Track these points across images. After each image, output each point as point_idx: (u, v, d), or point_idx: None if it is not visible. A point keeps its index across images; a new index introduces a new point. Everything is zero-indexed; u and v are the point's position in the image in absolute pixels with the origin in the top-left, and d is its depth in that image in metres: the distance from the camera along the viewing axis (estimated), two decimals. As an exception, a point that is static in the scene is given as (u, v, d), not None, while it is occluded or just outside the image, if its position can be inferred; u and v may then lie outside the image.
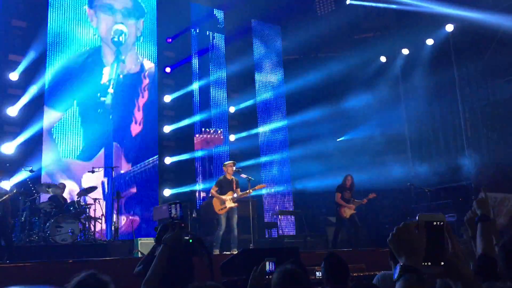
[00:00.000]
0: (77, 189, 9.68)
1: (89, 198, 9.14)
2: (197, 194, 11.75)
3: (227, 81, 13.10)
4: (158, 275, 2.94)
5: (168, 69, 12.26)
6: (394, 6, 11.74)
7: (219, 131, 12.21)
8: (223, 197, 8.60)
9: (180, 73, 12.32)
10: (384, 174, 12.13)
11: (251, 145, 12.84)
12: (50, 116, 10.35)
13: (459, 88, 11.42)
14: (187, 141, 12.07)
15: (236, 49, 13.21)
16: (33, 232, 8.19)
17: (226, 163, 9.15)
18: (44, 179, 9.76)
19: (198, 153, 12.10)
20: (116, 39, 11.61)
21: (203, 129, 12.20)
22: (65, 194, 9.24)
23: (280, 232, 11.21)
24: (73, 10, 11.02)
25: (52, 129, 10.34)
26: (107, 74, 11.35)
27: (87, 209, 8.84)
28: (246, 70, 13.31)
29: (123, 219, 10.27)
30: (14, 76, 10.00)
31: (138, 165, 11.35)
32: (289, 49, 14.01)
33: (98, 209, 9.10)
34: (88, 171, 9.66)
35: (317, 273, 3.60)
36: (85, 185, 9.67)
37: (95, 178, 9.92)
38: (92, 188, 9.16)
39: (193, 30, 12.72)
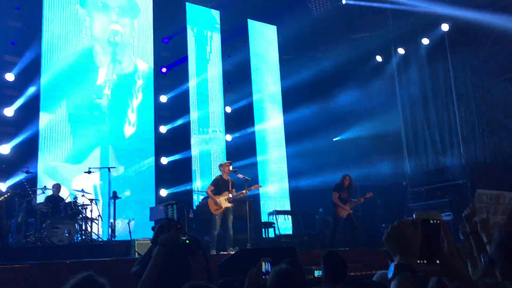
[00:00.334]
0: (67, 192, 9.60)
1: (85, 199, 9.11)
2: (194, 196, 11.74)
3: (223, 81, 13.12)
4: (154, 276, 2.94)
5: (164, 69, 12.24)
6: (389, 6, 11.77)
7: (218, 131, 12.30)
8: (219, 197, 8.59)
9: (176, 73, 12.32)
10: (380, 173, 12.19)
11: (247, 144, 12.86)
12: (45, 118, 10.29)
13: (455, 87, 11.46)
14: (183, 140, 12.05)
15: (232, 48, 13.23)
16: (30, 233, 8.17)
17: (222, 163, 9.14)
18: (40, 180, 9.73)
19: (195, 151, 12.11)
20: (112, 39, 11.52)
21: (198, 135, 12.22)
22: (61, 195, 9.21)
23: (277, 231, 11.21)
24: (66, 10, 10.94)
25: (44, 133, 10.24)
26: (103, 75, 11.26)
27: (84, 210, 8.83)
28: (242, 70, 13.34)
29: (119, 223, 10.20)
30: (10, 76, 9.98)
31: (133, 167, 11.29)
32: (284, 48, 14.03)
33: (95, 210, 9.09)
34: (85, 172, 9.63)
35: (316, 272, 3.62)
36: (76, 187, 9.57)
37: (86, 180, 9.83)
38: (88, 193, 9.21)
39: (189, 28, 12.70)
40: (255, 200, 11.41)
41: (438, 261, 1.37)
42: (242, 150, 12.58)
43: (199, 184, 12.00)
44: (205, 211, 9.18)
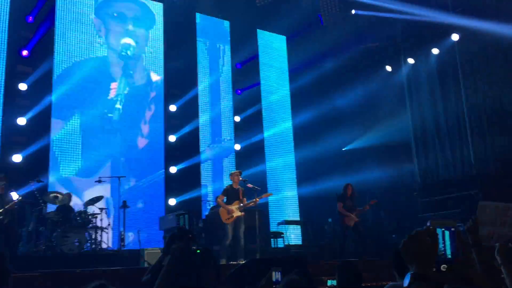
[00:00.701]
0: (80, 202, 9.66)
1: (95, 208, 9.15)
2: (204, 204, 11.74)
3: (232, 90, 13.18)
4: (166, 285, 2.94)
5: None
6: (399, 16, 11.77)
7: (226, 140, 12.35)
8: (230, 206, 8.60)
9: (185, 83, 12.35)
10: (389, 183, 12.12)
11: (256, 152, 12.88)
12: (56, 129, 10.33)
13: (466, 97, 11.39)
14: (192, 147, 12.07)
15: (241, 58, 13.31)
16: (40, 241, 8.22)
17: (232, 172, 9.18)
18: (51, 189, 9.79)
19: (204, 156, 12.11)
20: (124, 53, 11.54)
21: (211, 144, 12.26)
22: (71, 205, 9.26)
23: (286, 241, 11.17)
24: (80, 19, 11.00)
25: (56, 144, 10.30)
26: (115, 89, 11.27)
27: (94, 219, 8.87)
28: (252, 80, 13.40)
29: (130, 235, 10.21)
30: (23, 86, 10.09)
31: (144, 179, 11.29)
32: (294, 58, 14.08)
33: (105, 219, 9.13)
34: (95, 181, 9.70)
35: (329, 282, 3.60)
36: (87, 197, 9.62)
37: (97, 192, 9.85)
38: (99, 198, 9.19)
39: (200, 41, 12.78)
40: (264, 209, 11.39)
41: (443, 266, 1.36)
42: (251, 158, 12.59)
43: (211, 194, 12.00)
44: (214, 220, 9.18)
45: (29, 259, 7.69)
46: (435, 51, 12.01)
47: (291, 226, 12.31)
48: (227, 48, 13.27)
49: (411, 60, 12.66)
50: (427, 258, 1.33)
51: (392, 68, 13.10)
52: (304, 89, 13.40)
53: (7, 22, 9.99)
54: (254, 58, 13.60)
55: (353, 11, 12.76)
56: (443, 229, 1.39)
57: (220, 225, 8.69)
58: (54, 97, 10.38)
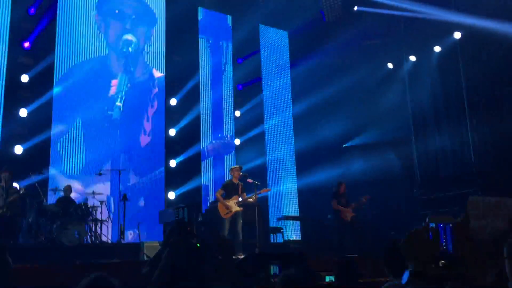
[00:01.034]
0: (80, 196, 9.65)
1: (96, 201, 9.18)
2: (205, 198, 11.75)
3: (233, 85, 13.17)
4: (164, 277, 2.97)
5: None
6: (401, 13, 11.76)
7: (229, 136, 12.31)
8: (229, 201, 8.62)
9: (187, 78, 12.33)
10: (390, 181, 12.14)
11: (257, 145, 12.89)
12: (57, 127, 10.28)
13: (467, 96, 11.39)
14: (192, 141, 12.06)
15: (243, 53, 13.29)
16: (40, 233, 8.25)
17: (233, 167, 9.22)
18: (51, 183, 9.80)
19: (204, 144, 12.12)
20: (124, 50, 11.47)
21: (213, 141, 12.19)
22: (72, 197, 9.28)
23: (286, 237, 11.19)
24: (82, 15, 10.96)
25: (57, 140, 10.26)
26: (115, 86, 11.20)
27: (94, 212, 8.90)
28: (253, 74, 13.39)
29: (130, 234, 10.21)
30: (25, 78, 10.08)
31: (147, 176, 11.26)
32: (295, 53, 14.06)
33: (105, 212, 9.16)
34: (95, 173, 9.73)
35: (327, 278, 3.63)
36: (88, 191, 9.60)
37: (99, 189, 9.87)
38: (99, 193, 9.26)
39: (202, 38, 12.75)
40: (263, 204, 11.41)
41: (441, 262, 1.38)
42: (251, 152, 12.59)
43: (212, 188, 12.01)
44: (214, 214, 9.20)
45: (29, 251, 7.69)
46: (437, 48, 12.01)
47: (290, 222, 12.33)
48: (230, 45, 13.24)
49: (412, 58, 12.65)
50: (426, 256, 1.35)
51: (393, 65, 13.09)
52: (305, 85, 13.39)
53: (9, 14, 9.97)
54: (255, 53, 13.57)
55: (355, 8, 12.74)
56: (442, 225, 1.41)
57: (219, 219, 8.71)
58: (55, 92, 10.35)
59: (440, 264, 1.37)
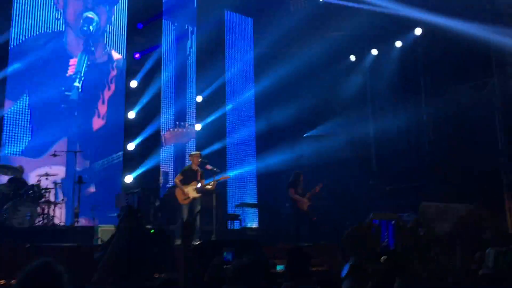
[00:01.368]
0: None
1: (49, 183, 8.93)
2: (160, 181, 11.57)
3: (197, 70, 13.01)
4: (112, 262, 2.92)
5: (137, 55, 11.98)
6: (365, 6, 11.89)
7: (187, 125, 12.14)
8: (187, 187, 8.58)
9: (148, 61, 12.08)
10: (348, 170, 12.36)
11: (217, 130, 12.79)
12: (9, 104, 9.85)
13: (425, 91, 11.70)
14: (151, 125, 11.79)
15: (207, 39, 13.12)
16: (-11, 214, 7.97)
17: (192, 153, 9.18)
18: (3, 161, 9.47)
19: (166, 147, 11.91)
20: (85, 28, 11.04)
21: (172, 126, 12.02)
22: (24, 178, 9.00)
23: (243, 224, 11.25)
24: None
25: (7, 121, 9.82)
26: (74, 66, 10.77)
27: (47, 194, 8.67)
28: (216, 60, 13.26)
29: (84, 220, 9.94)
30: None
31: (100, 161, 10.96)
32: (260, 41, 14.01)
33: (59, 194, 8.93)
34: (51, 155, 9.44)
35: (278, 267, 3.65)
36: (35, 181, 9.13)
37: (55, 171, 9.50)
38: (54, 174, 9.00)
39: (167, 20, 12.51)
40: (222, 191, 11.39)
41: (383, 257, 1.42)
42: (212, 137, 12.51)
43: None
44: (172, 200, 9.14)
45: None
46: (398, 43, 12.24)
47: (248, 209, 12.40)
48: (194, 30, 13.05)
49: (374, 51, 12.86)
50: (366, 250, 1.38)
51: (356, 57, 13.27)
52: (269, 76, 13.33)
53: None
54: (220, 39, 13.44)
55: (321, -1, 12.80)
56: (385, 221, 1.44)
57: (176, 205, 8.67)
58: (9, 68, 9.92)
59: (382, 260, 1.41)
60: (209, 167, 8.91)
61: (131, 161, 11.45)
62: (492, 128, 10.26)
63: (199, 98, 12.96)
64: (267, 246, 7.90)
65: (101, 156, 11.04)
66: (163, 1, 12.46)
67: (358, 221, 10.40)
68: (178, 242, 8.09)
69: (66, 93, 10.65)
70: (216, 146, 12.37)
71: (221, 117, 13.04)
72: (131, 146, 11.48)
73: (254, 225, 12.36)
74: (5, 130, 9.79)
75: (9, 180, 8.59)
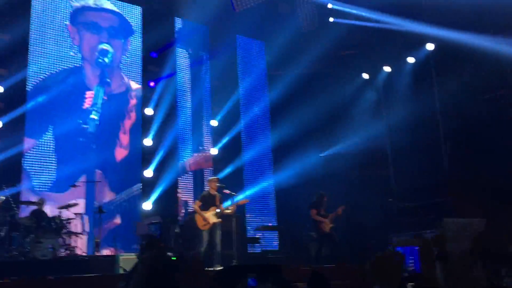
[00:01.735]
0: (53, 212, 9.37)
1: (70, 213, 9.03)
2: (179, 208, 11.61)
3: (211, 95, 13.14)
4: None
5: (152, 83, 12.15)
6: (376, 25, 11.96)
7: (209, 149, 12.26)
8: (206, 212, 8.59)
9: (163, 88, 12.22)
10: (366, 189, 12.26)
11: (232, 155, 12.82)
12: (30, 142, 9.98)
13: (440, 105, 11.63)
14: (170, 149, 11.86)
15: (220, 64, 13.27)
16: (13, 247, 8.07)
17: (210, 178, 9.23)
18: (24, 194, 9.60)
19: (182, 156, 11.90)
20: (100, 60, 11.19)
21: (195, 154, 12.07)
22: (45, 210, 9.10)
23: (263, 247, 11.19)
24: (54, 26, 10.71)
25: (29, 157, 9.95)
26: (91, 98, 10.90)
27: (68, 225, 8.76)
28: (230, 85, 13.38)
29: (106, 251, 9.96)
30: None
31: (123, 192, 10.97)
32: (272, 64, 14.13)
33: (79, 225, 9.02)
34: (70, 185, 9.56)
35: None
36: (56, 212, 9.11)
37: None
38: (74, 204, 9.09)
39: (180, 47, 12.71)
40: (241, 213, 11.36)
41: (411, 284, 1.41)
42: (228, 159, 12.56)
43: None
44: (191, 226, 9.15)
45: (1, 265, 7.53)
46: (410, 59, 12.24)
47: (268, 231, 12.34)
48: (206, 54, 13.23)
49: (387, 68, 12.87)
50: (391, 278, 1.38)
51: (369, 75, 13.29)
52: (282, 97, 13.39)
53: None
54: (233, 64, 13.58)
55: (331, 19, 12.90)
56: (409, 248, 1.45)
57: (196, 231, 8.67)
58: (28, 104, 10.09)
59: (409, 287, 1.41)
60: (227, 191, 8.94)
61: (149, 188, 11.51)
62: (511, 141, 10.12)
63: (214, 123, 13.05)
64: (287, 269, 7.84)
65: (127, 186, 11.07)
66: (176, 30, 12.68)
67: (378, 240, 10.37)
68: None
69: (83, 125, 10.72)
70: (232, 167, 12.40)
71: (235, 137, 13.07)
72: (148, 173, 11.56)
73: (275, 247, 12.26)
74: (26, 166, 9.90)
75: (31, 212, 8.70)
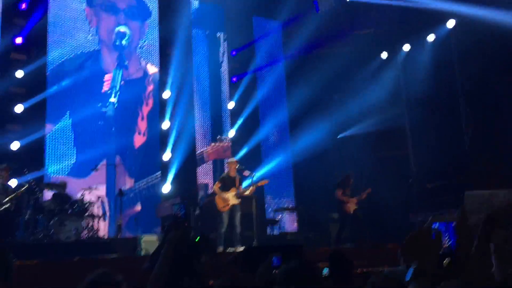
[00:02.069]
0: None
1: (92, 197, 9.16)
2: (198, 191, 11.68)
3: (228, 77, 13.11)
4: (163, 275, 2.95)
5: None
6: (394, 2, 11.73)
7: (227, 139, 12.27)
8: (226, 193, 8.63)
9: (182, 71, 12.21)
10: (386, 170, 12.18)
11: (252, 141, 12.84)
12: (50, 126, 10.09)
13: (461, 84, 11.41)
14: (185, 137, 11.88)
15: (237, 45, 13.20)
16: (37, 230, 8.23)
17: (229, 160, 9.26)
18: (47, 178, 9.75)
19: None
20: (118, 43, 11.17)
21: (213, 143, 12.12)
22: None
23: (282, 228, 11.22)
24: (71, 10, 10.73)
25: (52, 140, 10.07)
26: (109, 82, 10.90)
27: (91, 207, 8.89)
28: (246, 66, 13.30)
29: (126, 234, 10.08)
30: (19, 73, 9.94)
31: (144, 180, 11.01)
32: (289, 44, 13.99)
33: (101, 208, 9.16)
34: (91, 169, 9.66)
35: (324, 270, 3.64)
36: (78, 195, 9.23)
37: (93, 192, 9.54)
38: (96, 188, 9.25)
39: (196, 29, 12.64)
40: (259, 195, 11.38)
41: (446, 260, 1.40)
42: (245, 137, 12.61)
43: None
44: (211, 208, 9.22)
45: (27, 247, 7.69)
46: (430, 37, 12.00)
47: (287, 213, 12.36)
48: (222, 36, 13.15)
49: (406, 47, 12.64)
50: (429, 255, 1.36)
51: (388, 54, 13.08)
52: (299, 75, 13.32)
53: (0, 10, 9.86)
54: (250, 45, 13.50)
55: (348, -2, 12.70)
56: (445, 223, 1.43)
57: (216, 212, 8.73)
58: (48, 89, 10.17)
59: (445, 264, 1.38)
60: (246, 173, 8.96)
61: (167, 171, 11.57)
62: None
63: (231, 104, 13.03)
64: (308, 250, 7.87)
65: (146, 174, 11.11)
66: (192, 11, 12.61)
67: (400, 221, 10.34)
68: (220, 249, 8.18)
69: (103, 109, 10.78)
70: (249, 145, 12.40)
71: (252, 116, 13.02)
72: (166, 156, 11.60)
73: (293, 229, 12.29)
74: (48, 150, 10.04)
75: (54, 196, 8.84)
